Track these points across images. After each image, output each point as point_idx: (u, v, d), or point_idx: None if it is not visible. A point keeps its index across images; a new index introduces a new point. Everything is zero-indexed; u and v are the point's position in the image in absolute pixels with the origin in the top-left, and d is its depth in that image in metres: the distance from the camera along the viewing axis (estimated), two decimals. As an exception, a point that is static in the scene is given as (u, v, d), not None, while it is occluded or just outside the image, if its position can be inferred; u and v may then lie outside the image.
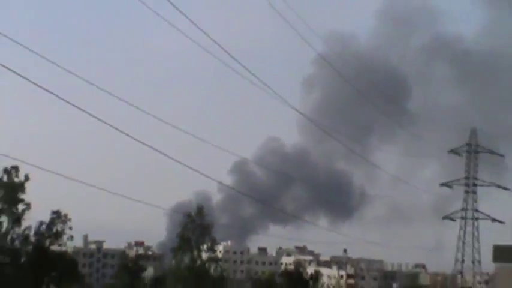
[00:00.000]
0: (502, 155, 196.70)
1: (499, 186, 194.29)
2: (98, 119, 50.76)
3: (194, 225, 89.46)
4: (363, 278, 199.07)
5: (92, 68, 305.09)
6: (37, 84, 42.84)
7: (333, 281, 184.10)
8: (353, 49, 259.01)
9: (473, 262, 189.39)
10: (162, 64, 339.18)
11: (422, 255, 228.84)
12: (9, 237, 74.05)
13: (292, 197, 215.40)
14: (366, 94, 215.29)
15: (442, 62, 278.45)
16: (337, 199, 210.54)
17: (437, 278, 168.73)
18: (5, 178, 72.68)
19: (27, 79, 41.28)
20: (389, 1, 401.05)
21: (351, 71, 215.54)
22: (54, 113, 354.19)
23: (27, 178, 72.96)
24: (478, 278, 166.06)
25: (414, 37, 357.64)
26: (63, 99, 45.90)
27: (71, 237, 78.27)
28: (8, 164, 72.36)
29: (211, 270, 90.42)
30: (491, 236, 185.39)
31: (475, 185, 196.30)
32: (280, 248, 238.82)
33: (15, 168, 72.74)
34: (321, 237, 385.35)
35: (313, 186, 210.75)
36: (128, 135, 54.68)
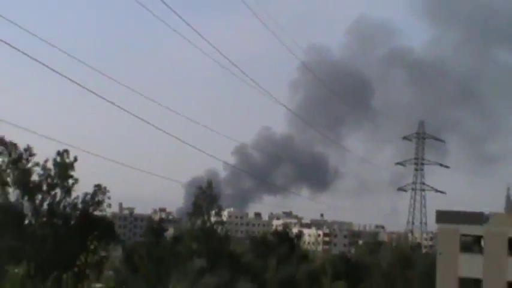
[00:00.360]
0: (443, 141, 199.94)
1: (441, 165, 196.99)
2: (132, 114, 52.56)
3: (205, 196, 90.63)
4: (335, 236, 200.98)
5: (121, 71, 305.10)
6: (82, 86, 44.62)
7: (312, 239, 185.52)
8: (328, 59, 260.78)
9: (420, 223, 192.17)
10: (178, 69, 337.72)
11: (381, 218, 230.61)
12: (61, 205, 74.80)
13: (281, 174, 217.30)
14: (338, 94, 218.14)
15: (397, 69, 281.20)
16: (316, 175, 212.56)
17: (393, 236, 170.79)
18: (59, 159, 73.82)
19: (74, 81, 42.89)
20: (357, 21, 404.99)
21: (327, 76, 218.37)
22: (95, 110, 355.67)
23: (75, 159, 74.28)
24: (424, 235, 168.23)
25: (376, 49, 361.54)
26: (102, 98, 47.71)
27: (109, 205, 79.47)
28: (61, 148, 73.65)
29: (218, 231, 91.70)
30: (434, 203, 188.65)
31: (422, 164, 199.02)
32: (272, 213, 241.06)
33: (66, 151, 74.09)
34: (303, 205, 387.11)
35: (297, 165, 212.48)
36: (157, 127, 56.48)
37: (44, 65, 37.91)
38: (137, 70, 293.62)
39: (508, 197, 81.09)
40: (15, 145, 71.68)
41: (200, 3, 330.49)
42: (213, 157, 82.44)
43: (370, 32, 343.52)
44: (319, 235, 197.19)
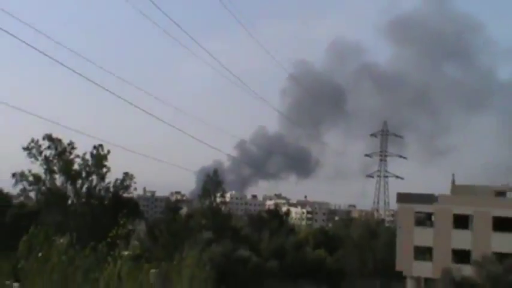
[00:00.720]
0: (402, 137, 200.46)
1: (400, 156, 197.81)
2: (158, 119, 53.72)
3: (211, 181, 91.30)
4: (316, 213, 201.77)
5: (148, 84, 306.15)
6: (115, 94, 44.81)
7: (298, 216, 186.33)
8: (311, 71, 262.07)
9: (384, 203, 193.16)
10: (188, 83, 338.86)
11: (353, 199, 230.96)
12: (97, 189, 75.29)
13: (273, 164, 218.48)
14: (319, 100, 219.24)
15: (366, 80, 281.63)
16: (301, 164, 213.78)
17: (362, 213, 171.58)
18: (95, 152, 74.18)
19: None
20: (334, 42, 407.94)
21: (310, 85, 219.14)
22: (125, 113, 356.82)
23: (108, 152, 74.61)
24: (387, 213, 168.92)
25: (349, 64, 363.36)
26: (133, 104, 48.12)
27: (135, 189, 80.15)
28: (97, 143, 74.23)
29: (222, 209, 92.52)
30: (395, 187, 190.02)
31: (385, 155, 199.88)
32: (265, 195, 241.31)
33: (101, 146, 74.40)
34: (291, 188, 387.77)
35: (286, 157, 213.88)
36: (176, 128, 57.72)
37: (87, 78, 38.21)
38: (160, 83, 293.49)
39: (453, 182, 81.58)
40: (60, 141, 72.43)
41: (206, 27, 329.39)
42: (219, 150, 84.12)
43: (344, 50, 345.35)
44: (303, 213, 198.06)
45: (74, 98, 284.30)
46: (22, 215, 70.96)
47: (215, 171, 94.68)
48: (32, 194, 76.27)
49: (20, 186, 73.78)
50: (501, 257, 67.06)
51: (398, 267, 79.05)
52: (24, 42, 33.28)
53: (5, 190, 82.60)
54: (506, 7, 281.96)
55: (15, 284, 19.72)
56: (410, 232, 79.29)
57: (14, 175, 72.23)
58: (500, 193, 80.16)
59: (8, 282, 19.70)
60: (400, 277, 77.92)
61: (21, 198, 79.39)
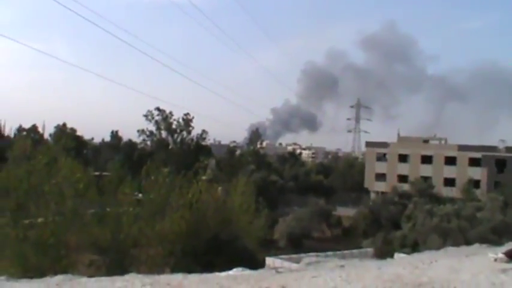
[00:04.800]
0: (370, 108, 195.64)
1: (368, 119, 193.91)
2: (221, 96, 54.64)
3: (254, 135, 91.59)
4: (317, 154, 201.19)
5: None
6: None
7: (306, 156, 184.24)
8: (317, 67, 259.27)
9: (358, 148, 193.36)
10: (233, 74, 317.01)
11: (340, 144, 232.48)
12: (186, 139, 74.77)
13: (293, 123, 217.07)
14: (321, 85, 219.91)
15: (350, 72, 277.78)
16: (310, 124, 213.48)
17: (345, 154, 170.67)
18: (184, 117, 73.11)
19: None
20: (329, 50, 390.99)
21: (316, 75, 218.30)
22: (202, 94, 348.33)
23: (193, 117, 72.13)
24: (360, 154, 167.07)
25: (339, 63, 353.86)
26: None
27: (208, 139, 78.20)
28: (185, 111, 73.56)
29: (261, 152, 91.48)
30: (365, 137, 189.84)
31: (359, 119, 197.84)
32: (287, 143, 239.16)
33: (188, 114, 72.21)
34: (303, 139, 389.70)
35: (301, 119, 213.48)
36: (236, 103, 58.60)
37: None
38: (218, 72, 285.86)
39: (398, 134, 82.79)
40: (164, 111, 71.85)
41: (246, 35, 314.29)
42: (259, 116, 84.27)
43: (336, 54, 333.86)
44: (310, 154, 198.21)
45: (170, 82, 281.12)
46: (143, 155, 67.88)
47: (256, 129, 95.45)
48: (148, 142, 75.90)
49: (141, 138, 74.79)
50: (425, 179, 68.73)
51: (366, 185, 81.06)
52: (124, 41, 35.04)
53: (133, 140, 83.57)
54: (430, 28, 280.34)
55: (140, 195, 19.50)
56: (373, 164, 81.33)
57: (138, 131, 73.34)
58: (426, 141, 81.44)
59: (136, 193, 19.08)
60: (367, 191, 78.96)
61: (142, 145, 77.77)
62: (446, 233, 41.68)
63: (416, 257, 8.58)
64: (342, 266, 6.89)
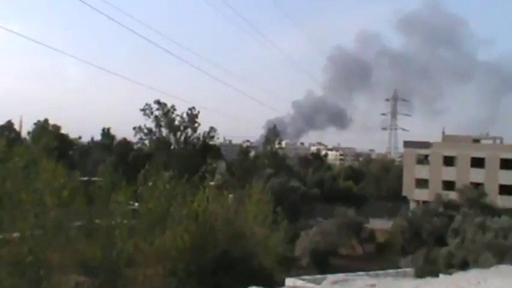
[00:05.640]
0: (408, 100, 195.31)
1: (406, 115, 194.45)
2: (235, 89, 55.10)
3: (272, 133, 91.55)
4: (346, 156, 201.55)
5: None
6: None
7: (333, 157, 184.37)
8: (345, 54, 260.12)
9: (394, 148, 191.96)
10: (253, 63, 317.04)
11: (373, 145, 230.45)
12: (191, 138, 74.75)
13: (318, 119, 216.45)
14: (352, 74, 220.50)
15: (384, 60, 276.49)
16: (337, 120, 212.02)
17: (379, 155, 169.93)
18: (189, 112, 73.44)
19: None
20: (360, 33, 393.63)
21: (345, 63, 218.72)
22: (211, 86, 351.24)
23: (198, 112, 72.17)
24: (397, 155, 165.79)
25: (373, 48, 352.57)
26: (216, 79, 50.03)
27: (218, 138, 77.35)
28: (190, 105, 73.76)
29: (279, 153, 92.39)
30: (402, 136, 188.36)
31: (396, 114, 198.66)
32: (310, 142, 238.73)
33: (194, 108, 72.22)
34: (329, 137, 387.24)
35: (327, 114, 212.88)
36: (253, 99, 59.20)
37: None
38: (235, 63, 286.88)
39: (443, 132, 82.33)
40: (165, 104, 72.01)
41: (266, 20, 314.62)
42: (277, 111, 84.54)
43: (369, 38, 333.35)
44: (337, 155, 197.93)
45: (172, 71, 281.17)
46: (139, 156, 69.88)
47: (274, 126, 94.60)
48: (146, 142, 76.18)
49: (138, 136, 74.97)
50: (476, 185, 68.25)
51: (404, 193, 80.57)
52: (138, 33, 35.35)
53: (128, 139, 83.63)
54: (482, 8, 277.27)
55: (136, 204, 19.70)
56: (412, 168, 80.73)
57: (134, 128, 73.43)
58: (476, 140, 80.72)
59: (131, 202, 19.30)
60: (405, 200, 78.60)
61: (139, 145, 78.34)
62: (502, 250, 41.13)
63: (461, 275, 8.39)
64: (373, 286, 6.92)
